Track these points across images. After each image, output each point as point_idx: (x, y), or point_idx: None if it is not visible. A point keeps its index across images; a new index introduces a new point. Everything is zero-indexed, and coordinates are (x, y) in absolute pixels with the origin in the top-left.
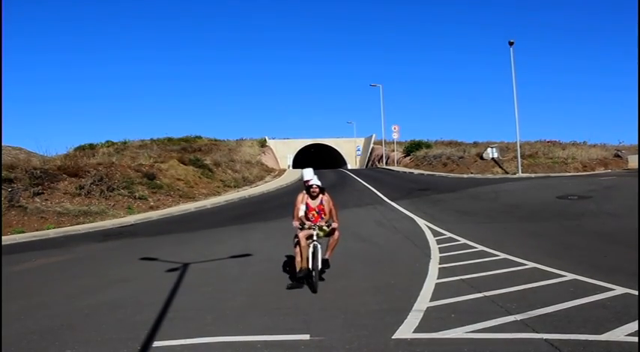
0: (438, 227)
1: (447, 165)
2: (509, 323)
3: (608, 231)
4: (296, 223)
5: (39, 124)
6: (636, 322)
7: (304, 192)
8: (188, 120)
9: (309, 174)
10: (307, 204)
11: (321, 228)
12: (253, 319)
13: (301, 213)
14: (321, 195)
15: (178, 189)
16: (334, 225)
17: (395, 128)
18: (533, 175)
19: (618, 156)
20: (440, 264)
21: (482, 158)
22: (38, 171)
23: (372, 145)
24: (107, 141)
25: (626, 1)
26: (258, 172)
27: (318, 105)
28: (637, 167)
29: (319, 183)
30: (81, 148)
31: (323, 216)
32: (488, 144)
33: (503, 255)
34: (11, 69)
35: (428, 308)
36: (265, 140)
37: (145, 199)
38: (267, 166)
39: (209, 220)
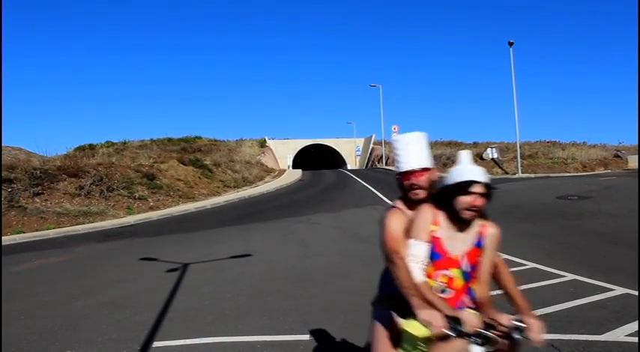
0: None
1: (447, 165)
2: None
3: (608, 231)
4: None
5: (39, 124)
6: (636, 322)
7: (426, 207)
8: (188, 121)
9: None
10: (436, 245)
11: (488, 340)
12: (253, 319)
13: (421, 275)
14: (480, 226)
15: (178, 190)
16: (533, 329)
17: (395, 128)
18: (533, 175)
19: (618, 156)
20: None
21: (482, 158)
22: (38, 172)
23: (371, 145)
24: (107, 142)
25: (626, 2)
26: (257, 172)
27: (318, 105)
28: (637, 167)
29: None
30: (81, 148)
31: (474, 288)
32: (488, 145)
33: (503, 255)
34: (11, 69)
35: None
36: (265, 140)
37: (144, 199)
38: (266, 166)
39: (209, 220)
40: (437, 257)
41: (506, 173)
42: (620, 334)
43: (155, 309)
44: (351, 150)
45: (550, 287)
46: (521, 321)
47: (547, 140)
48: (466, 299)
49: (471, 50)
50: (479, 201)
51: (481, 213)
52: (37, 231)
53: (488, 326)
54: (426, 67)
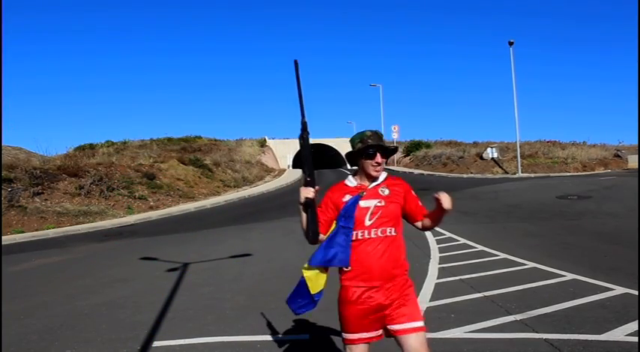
0: (438, 227)
1: (446, 165)
2: (508, 323)
3: (608, 231)
4: None
5: (39, 124)
6: (636, 322)
7: None
8: (188, 120)
9: None
10: None
11: None
12: (253, 319)
13: None
14: None
15: (178, 189)
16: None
17: (395, 128)
18: (533, 175)
19: (618, 156)
20: (440, 263)
21: (482, 158)
22: (38, 171)
23: None
24: (107, 141)
25: (625, 2)
26: (257, 172)
27: (318, 105)
28: (637, 167)
29: None
30: (81, 148)
31: None
32: (488, 144)
33: (503, 255)
34: (11, 68)
35: (427, 308)
36: (265, 140)
37: (144, 199)
38: (266, 166)
39: (209, 220)
40: None
41: (506, 173)
42: (620, 334)
43: (155, 309)
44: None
45: (550, 287)
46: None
47: (547, 140)
48: None
49: (471, 50)
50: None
51: None
52: (36, 230)
53: None
54: (426, 68)
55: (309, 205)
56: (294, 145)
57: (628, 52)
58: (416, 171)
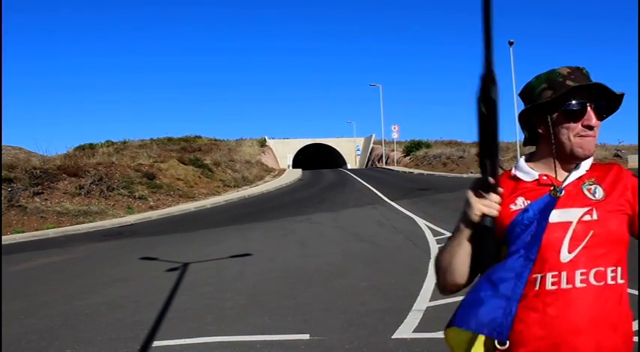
0: (438, 227)
1: (446, 164)
2: None
3: None
4: None
5: (39, 124)
6: (636, 322)
7: None
8: (188, 120)
9: None
10: None
11: None
12: (253, 319)
13: None
14: None
15: (178, 189)
16: None
17: (395, 128)
18: None
19: (618, 156)
20: None
21: None
22: (38, 171)
23: (371, 145)
24: (107, 141)
25: (625, 2)
26: (257, 172)
27: (318, 105)
28: (637, 167)
29: None
30: (81, 148)
31: None
32: None
33: None
34: (11, 68)
35: (428, 308)
36: (265, 140)
37: (144, 199)
38: (266, 166)
39: (209, 220)
40: None
41: None
42: None
43: (155, 309)
44: (351, 149)
45: None
46: None
47: None
48: None
49: (471, 50)
50: None
51: None
52: (36, 230)
53: None
54: (426, 68)
55: (485, 231)
56: (294, 145)
57: (628, 52)
58: (416, 171)
